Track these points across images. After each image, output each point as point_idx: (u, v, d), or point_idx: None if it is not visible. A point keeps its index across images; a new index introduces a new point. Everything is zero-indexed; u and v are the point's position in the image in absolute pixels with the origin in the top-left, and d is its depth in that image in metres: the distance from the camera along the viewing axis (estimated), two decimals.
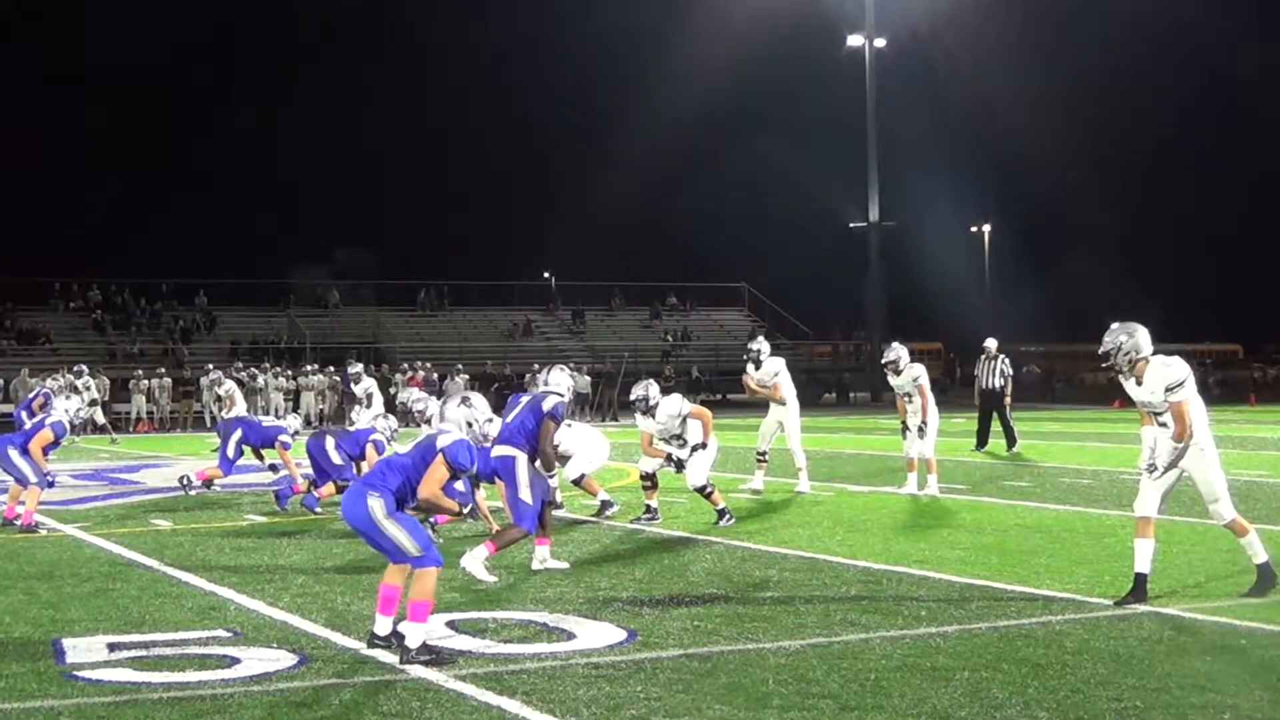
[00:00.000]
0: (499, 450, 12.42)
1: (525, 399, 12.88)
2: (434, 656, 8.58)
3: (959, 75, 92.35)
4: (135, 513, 17.90)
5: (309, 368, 49.51)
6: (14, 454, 16.10)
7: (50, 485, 16.49)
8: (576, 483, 16.80)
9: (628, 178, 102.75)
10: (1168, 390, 10.35)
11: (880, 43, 62.14)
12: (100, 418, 37.81)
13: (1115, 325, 10.66)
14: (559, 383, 13.15)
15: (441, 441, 9.13)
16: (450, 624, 9.84)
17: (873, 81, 62.34)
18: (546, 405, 12.54)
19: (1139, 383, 10.54)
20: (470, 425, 9.15)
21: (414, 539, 8.80)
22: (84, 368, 38.84)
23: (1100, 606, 10.29)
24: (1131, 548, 10.57)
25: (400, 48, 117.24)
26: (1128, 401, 10.89)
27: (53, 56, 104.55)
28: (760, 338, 22.77)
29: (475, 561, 11.58)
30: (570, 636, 9.44)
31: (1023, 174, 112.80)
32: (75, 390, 32.33)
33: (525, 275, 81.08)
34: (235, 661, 8.75)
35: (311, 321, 62.96)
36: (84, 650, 9.13)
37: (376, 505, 8.82)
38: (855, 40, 62.34)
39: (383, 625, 9.07)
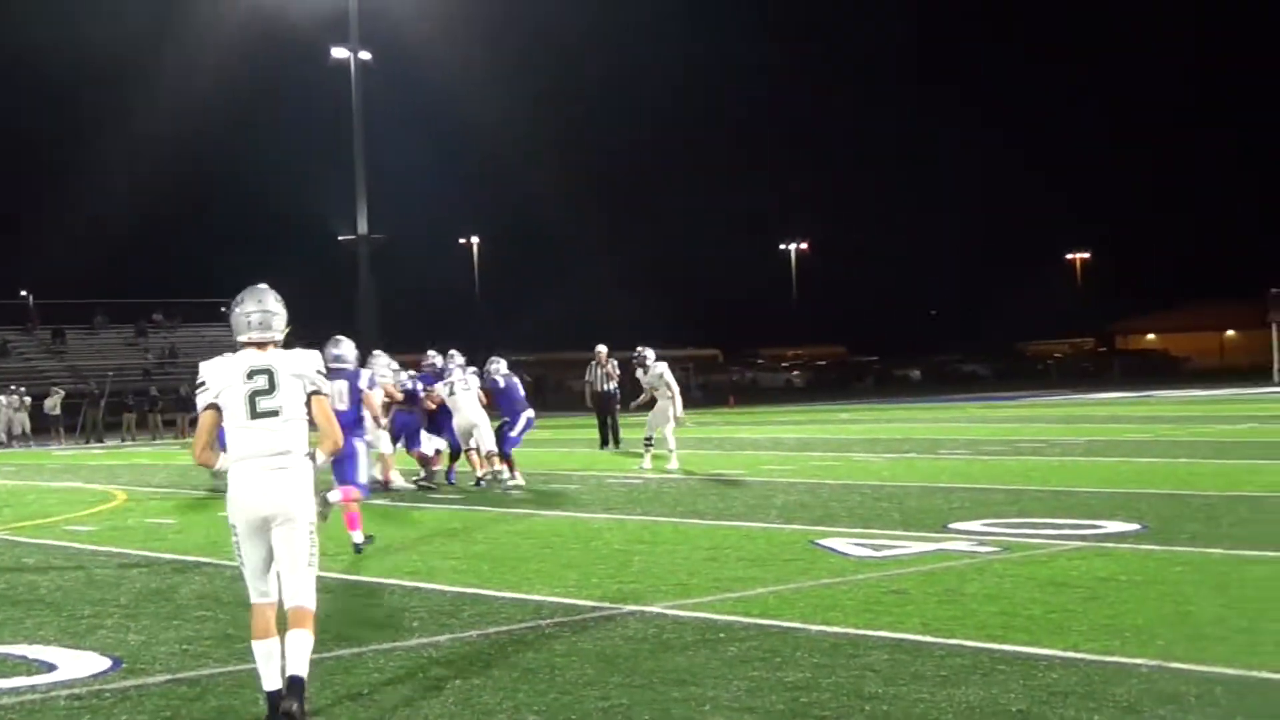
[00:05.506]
0: None
1: None
2: None
3: (445, 88, 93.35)
4: None
5: None
6: None
7: None
8: None
9: (111, 192, 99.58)
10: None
11: (365, 55, 61.94)
12: None
13: None
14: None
15: None
16: None
17: (359, 94, 62.09)
18: None
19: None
20: None
21: None
22: None
23: (587, 609, 10.54)
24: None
25: None
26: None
27: None
28: (642, 347, 24.30)
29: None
30: (51, 668, 9.06)
31: (509, 186, 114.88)
32: None
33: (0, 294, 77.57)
34: None
35: None
36: None
37: None
38: (340, 53, 61.92)
39: None
